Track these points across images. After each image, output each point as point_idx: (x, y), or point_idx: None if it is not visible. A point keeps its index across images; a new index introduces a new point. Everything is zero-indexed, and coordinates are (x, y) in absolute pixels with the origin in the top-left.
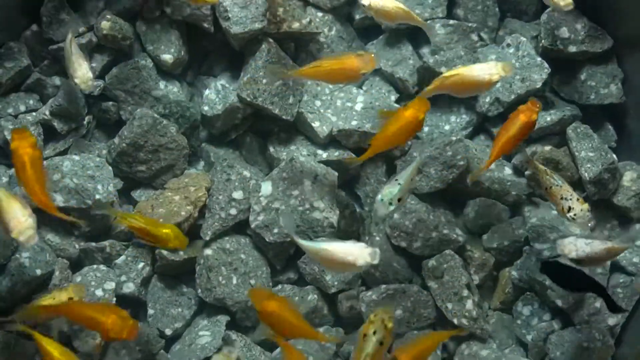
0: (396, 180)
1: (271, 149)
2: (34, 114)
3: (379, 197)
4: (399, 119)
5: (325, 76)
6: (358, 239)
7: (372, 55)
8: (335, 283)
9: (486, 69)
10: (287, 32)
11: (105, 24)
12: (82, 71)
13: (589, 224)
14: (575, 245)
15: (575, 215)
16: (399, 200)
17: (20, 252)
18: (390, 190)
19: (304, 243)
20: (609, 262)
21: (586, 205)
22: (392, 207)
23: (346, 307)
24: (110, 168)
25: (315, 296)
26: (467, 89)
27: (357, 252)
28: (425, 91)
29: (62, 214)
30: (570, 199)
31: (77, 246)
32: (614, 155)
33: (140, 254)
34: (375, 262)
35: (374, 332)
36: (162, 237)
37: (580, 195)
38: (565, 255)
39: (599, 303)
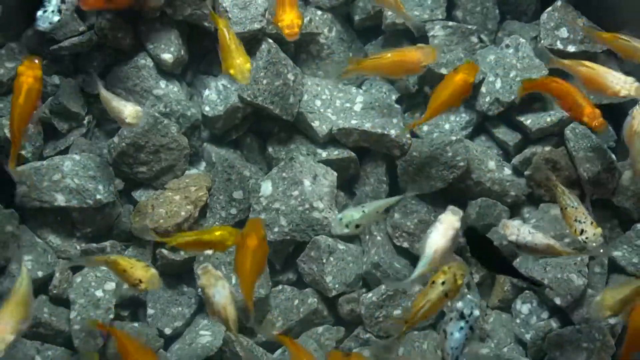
0: (363, 206)
1: (270, 149)
2: (33, 113)
3: (339, 215)
4: (449, 84)
5: (386, 68)
6: (357, 238)
7: (433, 48)
8: (336, 286)
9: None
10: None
11: (105, 24)
12: (129, 109)
13: (601, 250)
14: (518, 230)
15: (587, 238)
16: (357, 226)
17: (22, 254)
18: (352, 213)
19: None
20: (606, 262)
21: (599, 230)
22: (346, 230)
23: (347, 310)
24: (110, 168)
25: (315, 299)
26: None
27: None
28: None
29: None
30: (584, 222)
31: (78, 247)
32: (613, 155)
33: (141, 253)
34: None
35: (443, 283)
36: (219, 240)
37: (594, 219)
38: (505, 236)
39: None
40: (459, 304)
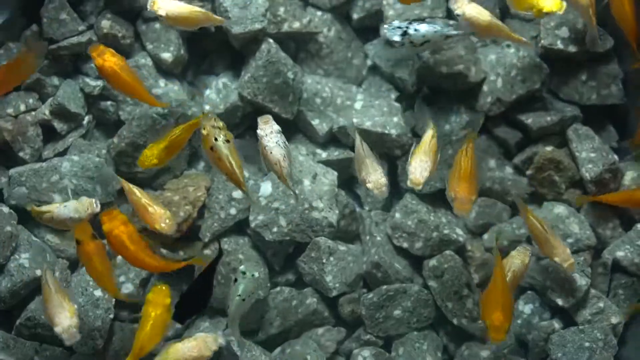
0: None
1: None
2: (33, 113)
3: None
4: None
5: None
6: (357, 238)
7: None
8: (337, 285)
9: None
10: (288, 32)
11: (105, 24)
12: (159, 213)
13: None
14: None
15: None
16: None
17: (20, 253)
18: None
19: None
20: (610, 263)
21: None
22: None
23: (347, 310)
24: (109, 169)
25: (315, 299)
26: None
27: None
28: None
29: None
30: None
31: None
32: (615, 156)
33: None
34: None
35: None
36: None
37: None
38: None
39: (602, 302)
40: None
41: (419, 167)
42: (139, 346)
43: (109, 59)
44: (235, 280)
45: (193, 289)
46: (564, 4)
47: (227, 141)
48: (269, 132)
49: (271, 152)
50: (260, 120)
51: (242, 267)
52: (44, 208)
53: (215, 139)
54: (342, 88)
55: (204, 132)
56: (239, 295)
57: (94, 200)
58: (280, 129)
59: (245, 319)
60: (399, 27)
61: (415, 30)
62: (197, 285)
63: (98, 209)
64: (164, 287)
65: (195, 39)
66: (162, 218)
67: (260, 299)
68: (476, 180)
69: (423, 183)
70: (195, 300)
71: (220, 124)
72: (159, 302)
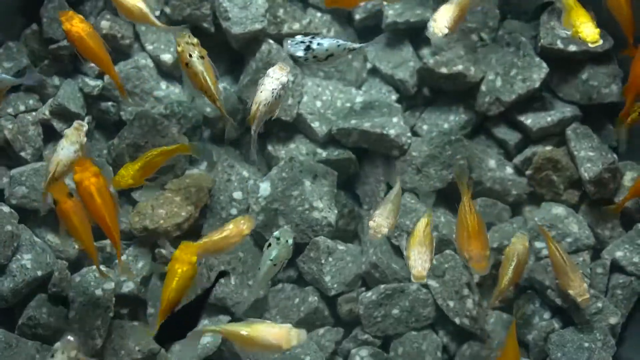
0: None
1: (270, 148)
2: (33, 113)
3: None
4: None
5: None
6: (356, 237)
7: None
8: (335, 285)
9: None
10: (288, 34)
11: (105, 24)
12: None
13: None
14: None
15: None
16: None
17: (22, 254)
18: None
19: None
20: (609, 263)
21: None
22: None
23: (346, 310)
24: (110, 169)
25: (316, 298)
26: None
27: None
28: None
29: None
30: None
31: (76, 247)
32: (615, 155)
33: (141, 253)
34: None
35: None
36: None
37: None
38: None
39: (600, 303)
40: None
41: (419, 260)
42: (166, 303)
43: (77, 25)
44: (269, 245)
45: (182, 313)
46: (601, 40)
47: (202, 57)
48: (275, 76)
49: (260, 92)
50: (278, 64)
51: (276, 233)
52: (51, 168)
53: (190, 55)
54: (342, 90)
55: (179, 48)
56: (271, 259)
57: (76, 123)
58: (287, 83)
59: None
60: (302, 42)
61: (319, 44)
62: (187, 308)
63: (86, 126)
64: (191, 244)
65: None
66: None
67: (260, 298)
68: (485, 233)
69: (426, 275)
70: (181, 325)
71: (195, 40)
72: (185, 259)
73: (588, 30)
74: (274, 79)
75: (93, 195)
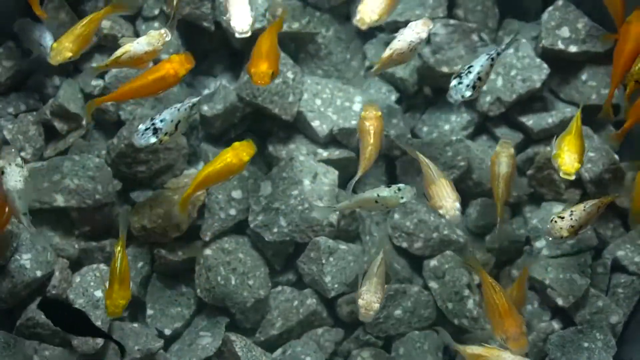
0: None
1: (270, 148)
2: (34, 113)
3: None
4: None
5: None
6: (357, 238)
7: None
8: (335, 286)
9: None
10: (287, 32)
11: (105, 24)
12: None
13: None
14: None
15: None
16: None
17: (21, 254)
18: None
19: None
20: (610, 263)
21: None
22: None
23: (346, 311)
24: (109, 169)
25: (314, 300)
26: None
27: None
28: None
29: None
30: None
31: (76, 246)
32: (616, 156)
33: (140, 253)
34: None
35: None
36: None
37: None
38: None
39: (601, 302)
40: None
41: (371, 296)
42: (201, 178)
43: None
44: (389, 186)
45: (80, 316)
46: (573, 177)
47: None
48: (416, 30)
49: (398, 40)
50: (424, 18)
51: (402, 185)
52: (118, 52)
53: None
54: (342, 89)
55: None
56: (378, 194)
57: (163, 30)
58: (426, 38)
59: (247, 320)
60: (147, 129)
61: (162, 121)
62: (86, 318)
63: (169, 38)
64: (252, 143)
65: (194, 40)
66: None
67: (261, 299)
68: (515, 309)
69: (374, 313)
70: (70, 317)
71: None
72: (240, 155)
73: (568, 160)
74: (415, 32)
75: None
